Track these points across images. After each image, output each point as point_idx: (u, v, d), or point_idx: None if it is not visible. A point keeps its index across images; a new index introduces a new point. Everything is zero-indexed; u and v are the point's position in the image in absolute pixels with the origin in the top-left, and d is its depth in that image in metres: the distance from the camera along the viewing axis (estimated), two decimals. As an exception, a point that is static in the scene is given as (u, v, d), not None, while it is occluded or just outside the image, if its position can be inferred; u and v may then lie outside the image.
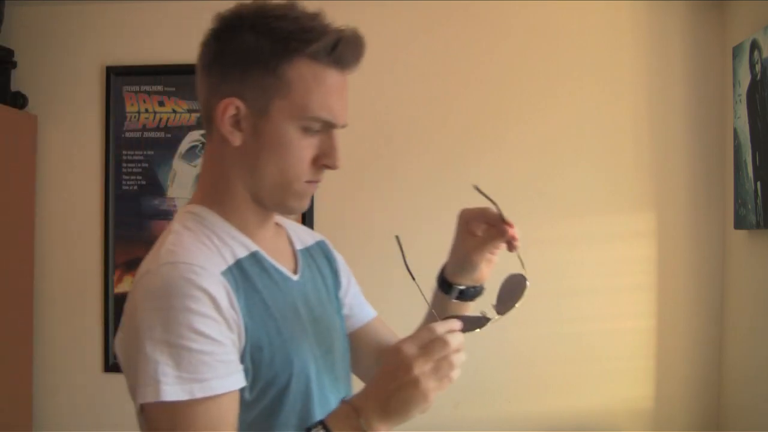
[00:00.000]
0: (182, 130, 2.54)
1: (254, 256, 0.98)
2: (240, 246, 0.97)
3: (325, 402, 1.00)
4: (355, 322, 1.18)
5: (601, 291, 2.33)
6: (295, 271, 1.06)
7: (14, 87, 2.56)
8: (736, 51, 2.13)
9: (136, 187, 2.56)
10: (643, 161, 2.36)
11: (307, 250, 1.13)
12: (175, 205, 2.54)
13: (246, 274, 0.94)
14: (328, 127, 0.96)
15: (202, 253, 0.91)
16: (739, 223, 2.13)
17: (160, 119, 2.55)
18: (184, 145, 2.54)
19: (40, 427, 2.54)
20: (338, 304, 1.15)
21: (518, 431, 2.31)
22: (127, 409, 2.92)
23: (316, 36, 0.92)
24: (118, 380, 2.85)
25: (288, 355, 0.95)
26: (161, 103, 2.55)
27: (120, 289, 2.55)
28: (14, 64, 2.55)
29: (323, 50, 0.92)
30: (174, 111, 2.55)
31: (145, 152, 2.56)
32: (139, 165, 2.56)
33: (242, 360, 0.90)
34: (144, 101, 2.56)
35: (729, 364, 2.26)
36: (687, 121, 2.35)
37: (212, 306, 0.86)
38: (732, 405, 2.24)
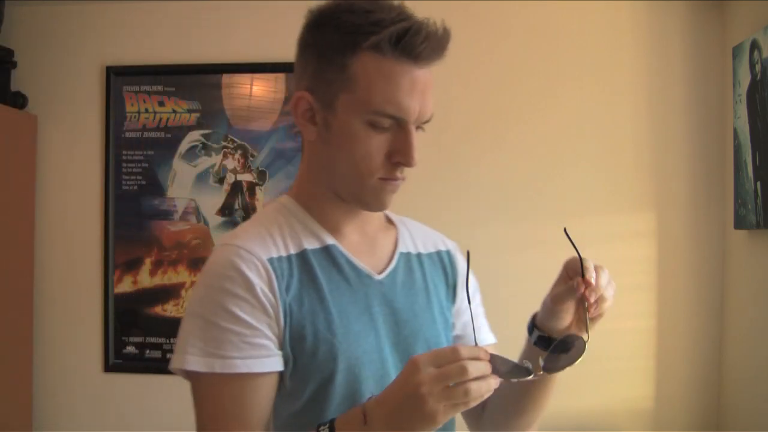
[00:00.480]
0: (182, 130, 2.54)
1: (326, 250, 0.98)
2: (313, 238, 0.98)
3: None
4: (465, 344, 1.09)
5: (601, 291, 2.33)
6: (382, 271, 1.03)
7: (14, 87, 2.56)
8: (736, 51, 2.13)
9: (136, 187, 2.56)
10: (643, 161, 2.36)
11: (416, 256, 1.09)
12: (175, 205, 2.54)
13: (309, 265, 0.95)
14: (399, 122, 0.91)
15: (257, 239, 0.94)
16: (739, 223, 2.13)
17: (160, 119, 2.55)
18: (184, 145, 2.54)
19: (40, 427, 2.54)
20: (443, 318, 1.08)
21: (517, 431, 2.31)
22: (127, 409, 2.93)
23: (380, 28, 0.88)
24: (118, 380, 2.88)
25: (334, 351, 0.92)
26: (161, 103, 2.55)
27: (120, 289, 2.55)
28: (14, 64, 2.55)
29: (386, 42, 0.88)
30: (174, 111, 2.55)
31: (145, 152, 2.56)
32: (139, 165, 2.56)
33: (282, 347, 0.91)
34: (144, 101, 2.56)
35: (729, 364, 2.26)
36: (687, 121, 2.35)
37: (246, 288, 0.89)
38: (732, 405, 2.24)
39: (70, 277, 2.58)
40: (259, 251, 0.92)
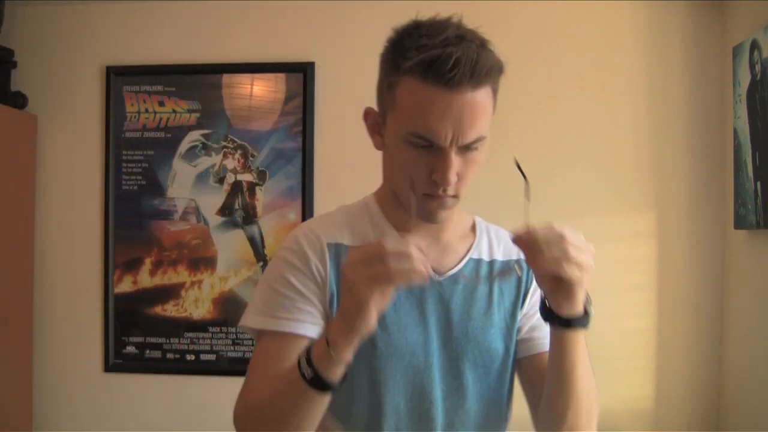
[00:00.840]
0: (182, 130, 2.54)
1: None
2: (379, 234, 1.06)
3: (424, 399, 1.03)
4: (530, 348, 1.11)
5: (601, 291, 2.32)
6: (444, 274, 1.07)
7: (14, 87, 2.56)
8: (736, 51, 2.13)
9: (136, 187, 2.56)
10: (643, 161, 2.37)
11: (489, 263, 1.11)
12: (175, 205, 2.54)
13: None
14: (435, 143, 0.95)
15: (324, 226, 1.07)
16: (739, 223, 2.13)
17: (160, 119, 2.55)
18: (184, 145, 2.54)
19: (40, 427, 2.55)
20: (504, 324, 1.10)
21: (517, 431, 2.31)
22: (127, 409, 2.93)
23: (419, 54, 0.93)
24: (118, 380, 2.88)
25: (373, 335, 0.96)
26: (161, 103, 2.55)
27: (120, 289, 2.55)
28: (14, 64, 2.55)
29: (419, 67, 0.93)
30: (174, 111, 2.55)
31: (145, 152, 2.56)
32: (139, 165, 2.56)
33: (326, 319, 1.02)
34: (144, 101, 2.56)
35: (729, 364, 2.26)
36: (687, 121, 2.35)
37: (303, 261, 1.02)
38: (732, 405, 2.24)
39: (70, 277, 2.58)
40: (322, 235, 1.05)
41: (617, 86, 2.38)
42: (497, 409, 1.10)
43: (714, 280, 2.31)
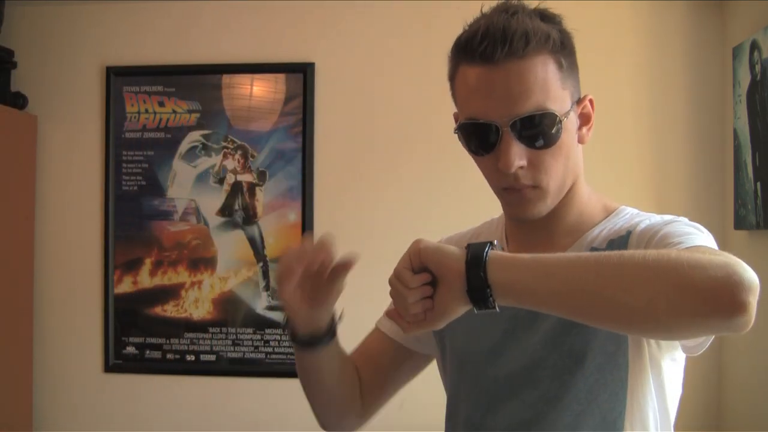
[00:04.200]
0: (182, 131, 2.54)
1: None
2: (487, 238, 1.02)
3: (492, 407, 0.97)
4: None
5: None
6: None
7: (14, 87, 2.56)
8: (736, 51, 2.13)
9: (136, 188, 2.56)
10: (643, 161, 2.36)
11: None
12: (175, 206, 2.54)
13: None
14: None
15: (460, 234, 1.12)
16: (739, 223, 2.13)
17: (160, 119, 2.55)
18: (184, 146, 2.54)
19: (40, 427, 2.54)
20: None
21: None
22: (127, 409, 2.92)
23: (462, 38, 0.91)
24: (118, 380, 2.87)
25: (442, 337, 1.01)
26: (161, 104, 2.55)
27: (120, 289, 2.55)
28: (14, 64, 2.55)
29: (457, 50, 0.92)
30: (174, 111, 2.55)
31: (145, 152, 2.56)
32: (139, 165, 2.56)
33: None
34: (144, 101, 2.56)
35: (729, 364, 2.26)
36: (687, 121, 2.35)
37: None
38: (732, 405, 2.24)
39: (70, 277, 2.58)
40: (446, 240, 1.09)
41: (617, 86, 2.38)
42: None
43: (714, 280, 2.31)
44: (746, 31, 2.10)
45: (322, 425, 1.12)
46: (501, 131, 0.88)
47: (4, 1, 2.48)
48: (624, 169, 2.37)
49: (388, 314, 0.86)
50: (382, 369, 1.11)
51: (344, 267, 0.92)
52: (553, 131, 0.89)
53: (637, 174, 2.36)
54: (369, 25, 2.48)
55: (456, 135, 0.95)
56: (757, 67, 2.00)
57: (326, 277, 0.93)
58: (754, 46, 2.01)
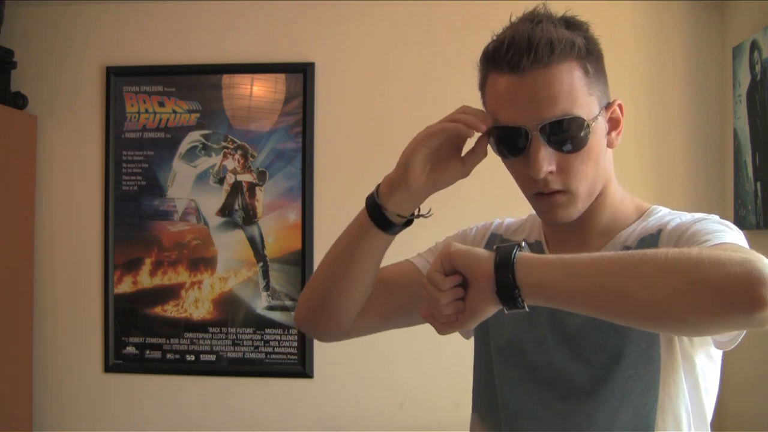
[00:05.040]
0: (182, 131, 2.54)
1: (534, 245, 1.07)
2: (529, 236, 1.09)
3: (519, 403, 1.00)
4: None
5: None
6: None
7: (14, 87, 2.56)
8: (736, 51, 2.13)
9: (136, 188, 2.56)
10: (643, 161, 2.36)
11: None
12: (174, 206, 2.54)
13: None
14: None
15: (506, 223, 1.15)
16: (739, 223, 2.13)
17: (160, 119, 2.55)
18: (184, 146, 2.54)
19: (40, 427, 2.54)
20: None
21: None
22: (127, 409, 2.92)
23: (489, 48, 0.94)
24: (118, 380, 2.87)
25: (484, 326, 1.01)
26: (161, 104, 2.55)
27: (120, 289, 2.55)
28: (14, 65, 2.55)
29: (485, 60, 0.94)
30: (174, 111, 2.55)
31: (145, 152, 2.56)
32: (139, 165, 2.56)
33: None
34: (144, 101, 2.56)
35: (729, 364, 2.25)
36: (687, 121, 2.35)
37: (463, 239, 1.15)
38: (732, 405, 2.24)
39: (70, 277, 2.58)
40: (494, 227, 1.14)
41: (617, 86, 2.36)
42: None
43: (714, 280, 2.31)
44: (746, 31, 2.10)
45: (311, 320, 1.11)
46: (530, 136, 0.90)
47: (4, 1, 2.48)
48: (624, 168, 2.35)
49: (422, 315, 0.86)
50: (395, 297, 1.10)
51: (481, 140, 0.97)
52: (581, 135, 0.91)
53: (637, 174, 2.36)
54: (369, 25, 2.48)
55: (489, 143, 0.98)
56: (757, 67, 2.00)
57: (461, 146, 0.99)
58: (754, 46, 2.01)
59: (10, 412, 2.41)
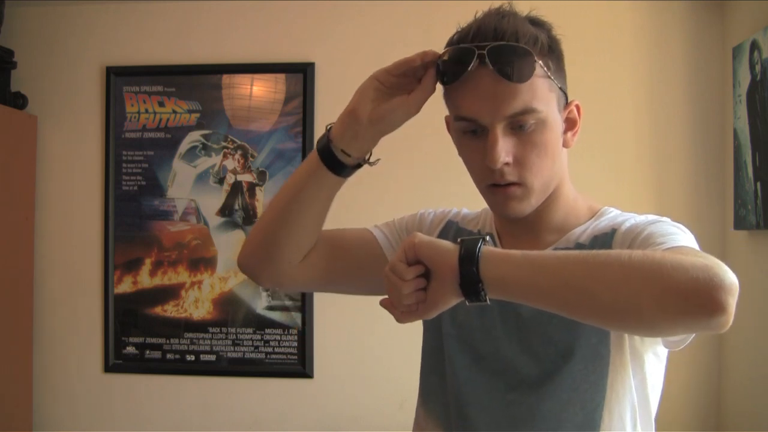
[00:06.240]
0: (182, 131, 2.54)
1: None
2: (481, 228, 1.10)
3: (470, 386, 0.99)
4: None
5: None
6: None
7: (14, 87, 2.56)
8: (736, 51, 2.13)
9: (136, 188, 2.56)
10: (643, 161, 2.36)
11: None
12: (174, 206, 2.54)
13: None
14: (482, 125, 0.92)
15: (463, 213, 1.15)
16: (739, 223, 2.13)
17: (160, 119, 2.55)
18: (184, 146, 2.54)
19: (40, 427, 2.55)
20: None
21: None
22: (127, 409, 2.92)
23: (454, 39, 0.95)
24: (118, 380, 2.87)
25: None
26: (161, 104, 2.55)
27: (120, 289, 2.55)
28: (14, 65, 2.55)
29: (452, 50, 0.94)
30: (174, 111, 2.55)
31: (145, 152, 2.56)
32: (139, 165, 2.56)
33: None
34: (144, 101, 2.56)
35: (729, 364, 2.26)
36: (687, 121, 2.35)
37: (421, 223, 1.15)
38: (732, 405, 2.24)
39: (70, 278, 2.58)
40: (451, 215, 1.14)
41: (617, 86, 2.38)
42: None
43: (714, 280, 2.31)
44: (746, 31, 2.10)
45: (253, 260, 1.09)
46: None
47: (4, 1, 2.48)
48: (624, 169, 2.37)
49: (382, 304, 0.86)
50: (344, 258, 1.11)
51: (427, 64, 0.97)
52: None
53: (637, 174, 2.36)
54: (369, 25, 2.48)
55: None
56: (757, 67, 2.00)
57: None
58: (754, 46, 2.01)
59: (10, 412, 2.41)
